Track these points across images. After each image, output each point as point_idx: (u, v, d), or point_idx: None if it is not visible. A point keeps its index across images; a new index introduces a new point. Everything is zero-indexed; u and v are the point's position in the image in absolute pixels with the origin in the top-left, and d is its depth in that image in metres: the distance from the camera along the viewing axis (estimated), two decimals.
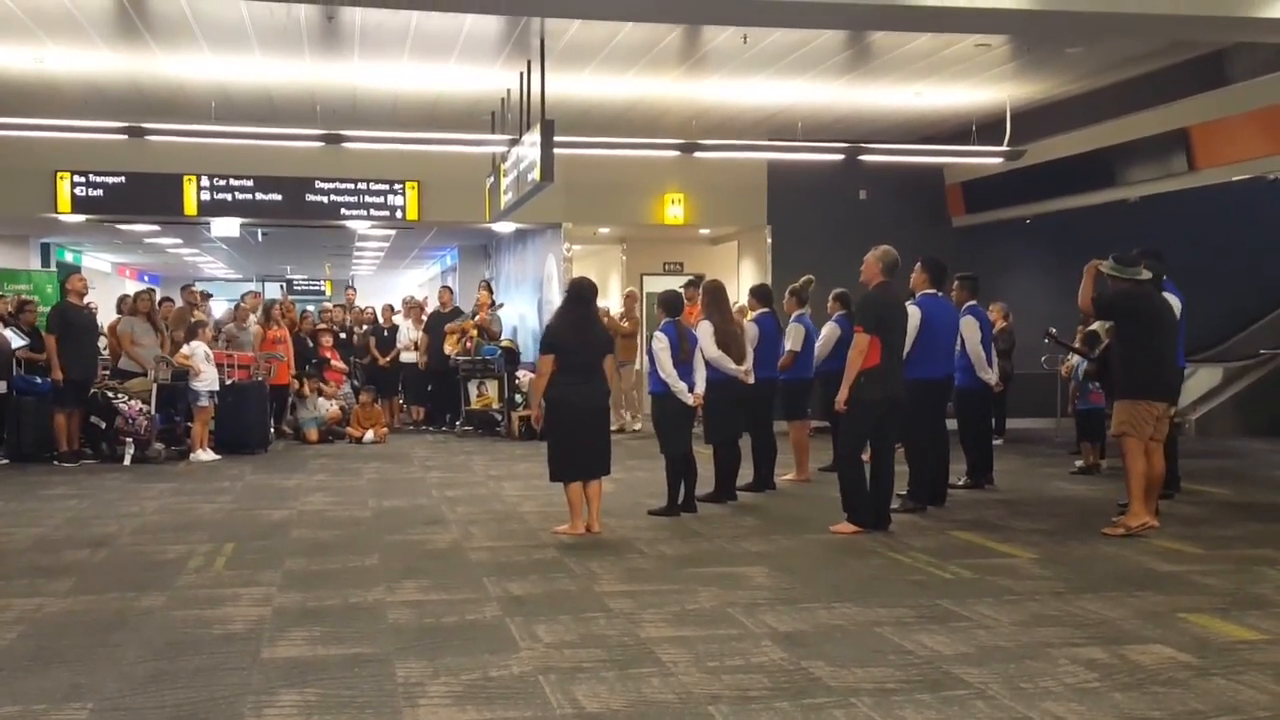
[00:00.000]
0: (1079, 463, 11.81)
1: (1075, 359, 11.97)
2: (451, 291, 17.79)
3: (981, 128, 14.76)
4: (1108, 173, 13.95)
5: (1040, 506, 9.56)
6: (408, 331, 16.66)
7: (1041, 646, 5.29)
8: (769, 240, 17.03)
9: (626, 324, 15.47)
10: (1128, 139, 13.29)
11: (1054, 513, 9.21)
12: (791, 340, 10.81)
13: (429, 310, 17.35)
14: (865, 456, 8.40)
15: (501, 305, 17.62)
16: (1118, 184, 13.96)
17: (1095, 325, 11.55)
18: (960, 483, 10.35)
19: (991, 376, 10.37)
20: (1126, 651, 5.20)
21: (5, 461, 11.99)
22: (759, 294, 10.90)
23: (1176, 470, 9.79)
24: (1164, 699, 4.55)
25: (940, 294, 9.51)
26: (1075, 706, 4.45)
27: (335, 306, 18.40)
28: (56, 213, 15.77)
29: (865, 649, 5.24)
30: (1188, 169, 12.69)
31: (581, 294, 8.34)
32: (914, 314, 9.06)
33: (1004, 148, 14.23)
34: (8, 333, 12.15)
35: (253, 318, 14.97)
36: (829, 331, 11.01)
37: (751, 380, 9.70)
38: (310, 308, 21.50)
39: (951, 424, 9.97)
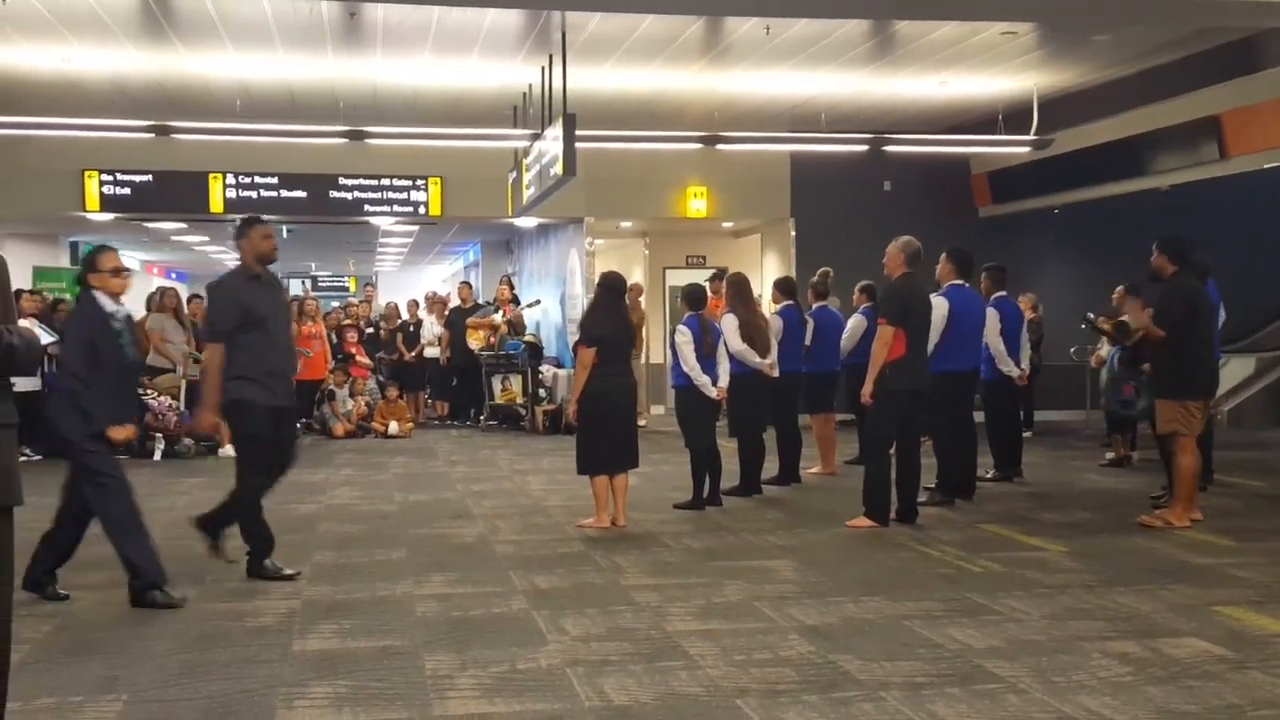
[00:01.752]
0: (1109, 455, 11.72)
1: (1106, 351, 11.86)
2: (471, 287, 17.82)
3: (1008, 117, 14.65)
4: (1137, 161, 13.82)
5: (1070, 499, 9.50)
6: (431, 327, 16.70)
7: (1074, 640, 5.25)
8: (792, 233, 16.97)
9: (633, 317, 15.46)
10: (1157, 127, 13.16)
11: (1084, 505, 9.15)
12: (807, 335, 10.69)
13: (451, 305, 17.39)
14: (891, 450, 8.36)
15: (538, 303, 17.60)
16: (1148, 173, 13.83)
17: (1127, 316, 11.44)
18: (989, 475, 10.29)
19: (1014, 369, 10.27)
20: (1160, 645, 5.16)
21: (38, 458, 12.07)
22: (783, 287, 10.87)
23: (1210, 462, 9.70)
24: (1199, 693, 4.51)
25: (967, 285, 9.45)
26: (1109, 700, 4.41)
27: (360, 303, 18.47)
28: (85, 211, 15.86)
29: (894, 642, 5.21)
30: (1219, 157, 12.54)
31: (613, 285, 8.38)
32: (941, 305, 9.00)
33: (1031, 137, 14.11)
34: (38, 329, 12.25)
35: None
36: (855, 324, 10.95)
37: (776, 373, 9.67)
38: (335, 304, 21.57)
39: (979, 416, 9.91)
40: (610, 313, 8.26)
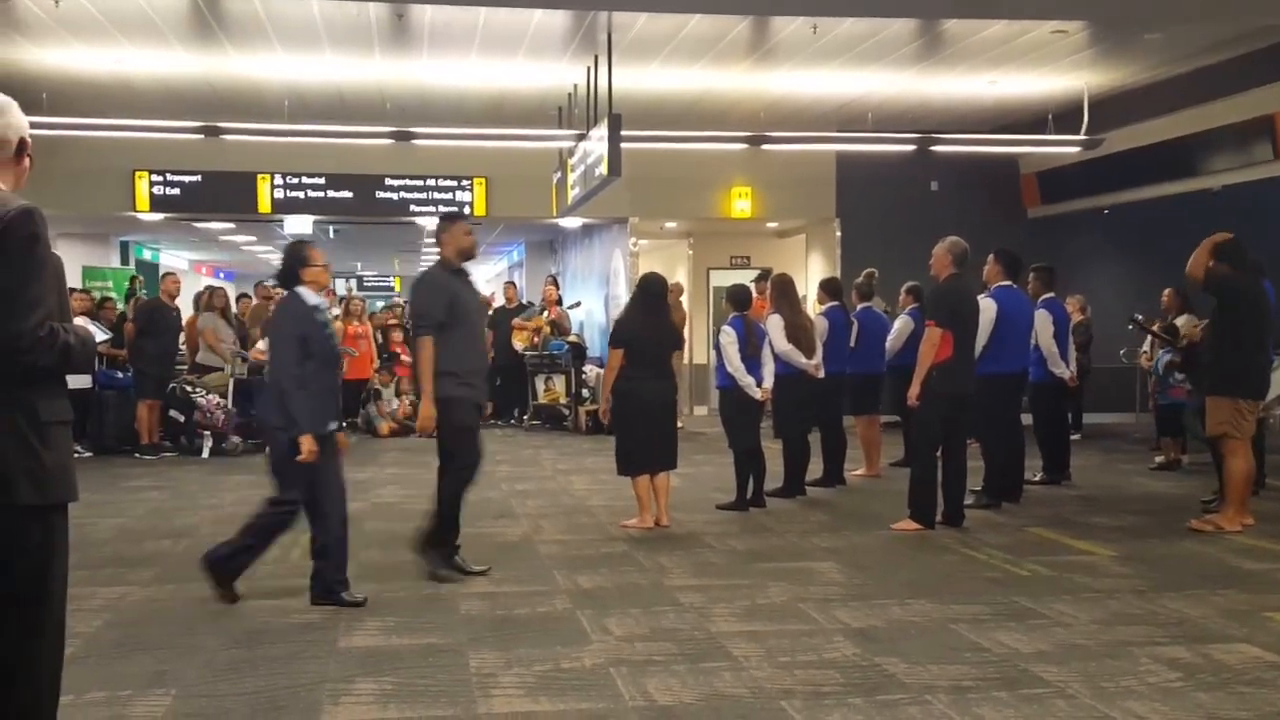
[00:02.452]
0: (1159, 458, 11.58)
1: (1156, 351, 11.73)
2: (516, 287, 17.88)
3: (1058, 116, 14.51)
4: (1189, 161, 13.64)
5: (1119, 503, 9.39)
6: None
7: (1122, 645, 5.18)
8: (838, 233, 16.90)
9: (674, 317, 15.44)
10: (1210, 127, 12.98)
11: (1133, 509, 9.04)
12: (852, 337, 10.64)
13: (495, 305, 17.46)
14: (938, 452, 8.30)
15: (578, 304, 17.63)
16: (1199, 173, 13.64)
17: (1179, 320, 11.32)
18: (1036, 479, 10.20)
19: (1065, 371, 10.17)
20: (1210, 651, 5.09)
21: (89, 454, 12.25)
22: (828, 287, 10.82)
23: (1262, 466, 9.55)
24: (1250, 699, 4.44)
25: (1015, 286, 9.37)
26: (1158, 706, 4.35)
27: (406, 302, 18.57)
28: (135, 211, 16.08)
29: (940, 646, 5.17)
30: (1273, 157, 12.35)
31: (650, 289, 8.35)
32: (989, 307, 8.93)
33: (1082, 136, 13.96)
34: (92, 326, 12.43)
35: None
36: (901, 325, 10.88)
37: (821, 374, 9.63)
38: (380, 304, 21.70)
39: (1027, 419, 9.82)
40: (643, 315, 8.24)
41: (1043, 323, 9.94)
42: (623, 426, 8.23)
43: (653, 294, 8.33)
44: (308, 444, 5.75)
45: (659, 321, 8.27)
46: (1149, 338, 11.95)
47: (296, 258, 6.06)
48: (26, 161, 3.31)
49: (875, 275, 11.47)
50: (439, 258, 6.84)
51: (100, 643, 5.26)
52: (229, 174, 15.79)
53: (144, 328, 12.72)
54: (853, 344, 10.58)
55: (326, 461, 5.89)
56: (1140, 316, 11.69)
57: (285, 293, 6.14)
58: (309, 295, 6.04)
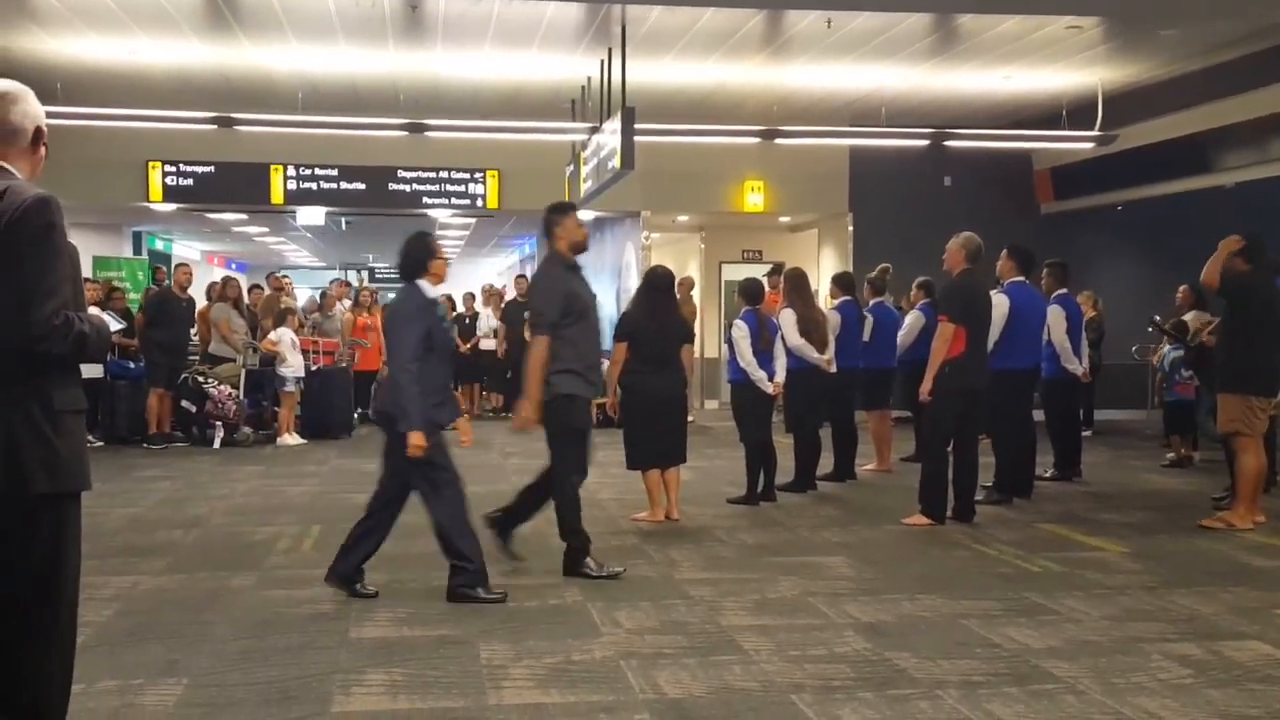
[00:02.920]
0: (1170, 455, 11.54)
1: (1164, 348, 11.71)
2: (527, 280, 17.87)
3: (1072, 112, 14.46)
4: (1203, 158, 13.58)
5: (1130, 499, 9.37)
6: (488, 319, 16.78)
7: (1133, 641, 5.17)
8: (850, 228, 16.87)
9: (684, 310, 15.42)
10: (1225, 123, 12.92)
11: (1144, 506, 9.01)
12: (864, 331, 10.63)
13: (507, 299, 17.46)
14: (949, 448, 8.28)
15: None
16: (1214, 170, 13.59)
17: (1187, 315, 11.29)
18: (1047, 474, 10.18)
19: (1078, 367, 10.15)
20: (1221, 647, 5.08)
21: (100, 444, 12.29)
22: (841, 282, 10.79)
23: (1274, 464, 9.52)
24: (1261, 696, 4.43)
25: (1028, 282, 9.34)
26: (1169, 703, 4.34)
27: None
28: (148, 201, 16.12)
29: (951, 641, 5.17)
30: None
31: (655, 283, 8.34)
32: (1002, 303, 8.90)
33: (1096, 132, 13.92)
34: (106, 316, 12.46)
35: (339, 305, 15.21)
36: (913, 320, 10.86)
37: (833, 369, 9.62)
38: (391, 295, 21.66)
39: (1039, 414, 9.80)
40: (647, 309, 8.22)
41: (1056, 318, 9.91)
42: (630, 420, 8.23)
43: (658, 288, 8.30)
44: (417, 439, 5.72)
45: (664, 315, 8.21)
46: (1165, 338, 11.93)
47: (425, 249, 6.03)
48: (42, 150, 3.33)
49: (890, 270, 11.44)
50: (551, 251, 6.65)
51: (112, 632, 5.28)
52: (242, 165, 15.82)
53: (153, 318, 12.74)
54: (866, 338, 10.57)
55: (443, 453, 5.89)
56: (1159, 318, 11.65)
57: (404, 285, 6.03)
58: (429, 288, 6.00)
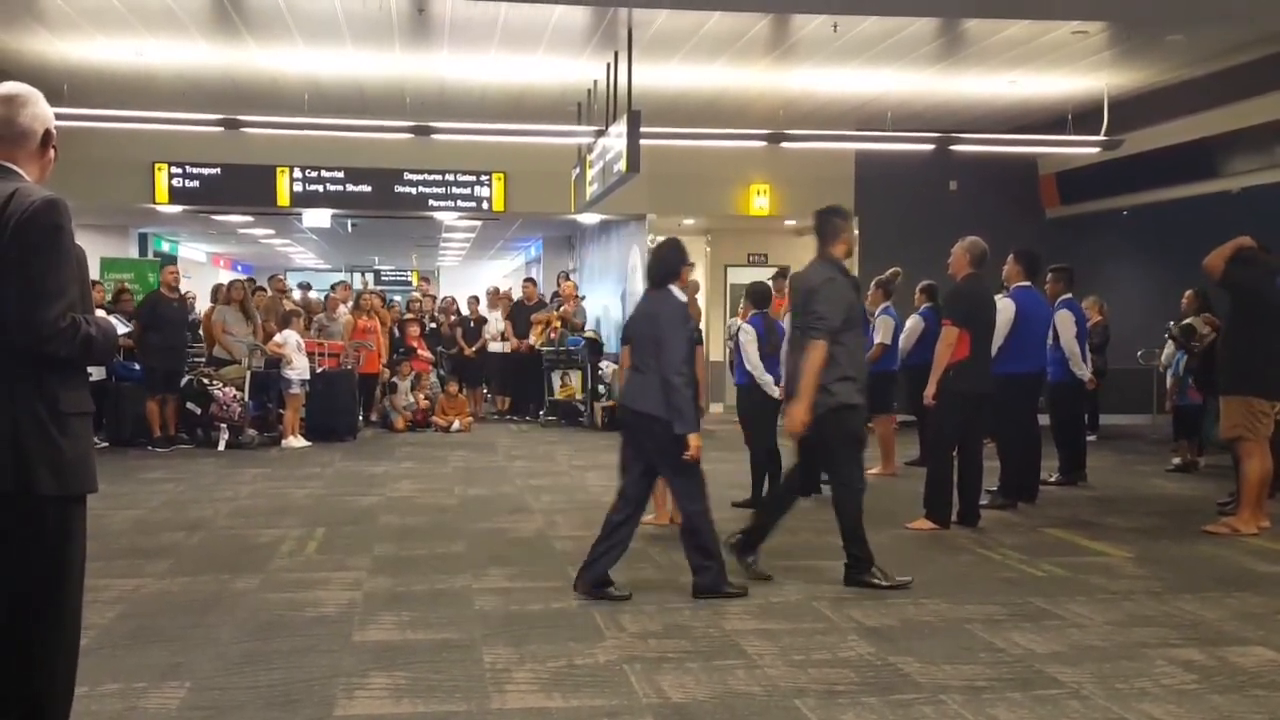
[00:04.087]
0: (1176, 460, 11.52)
1: (1169, 352, 11.69)
2: (535, 283, 17.90)
3: (1078, 117, 14.45)
4: (1209, 163, 13.56)
5: (1135, 504, 9.35)
6: (496, 322, 16.80)
7: (1137, 646, 5.17)
8: (856, 232, 16.77)
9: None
10: (1231, 128, 12.91)
11: (1149, 511, 9.00)
12: (880, 333, 10.69)
13: (513, 301, 17.49)
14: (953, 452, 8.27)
15: (583, 298, 17.63)
16: (1220, 175, 13.57)
17: (1191, 319, 11.27)
18: (1052, 479, 10.16)
19: (1086, 372, 10.15)
20: (1225, 653, 5.07)
21: (105, 445, 12.30)
22: None
23: (1279, 469, 9.50)
24: (1265, 702, 4.42)
25: (1034, 287, 9.33)
26: (1173, 708, 4.34)
27: (425, 297, 18.64)
28: (154, 203, 16.15)
29: (955, 646, 5.16)
30: None
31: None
32: (1008, 307, 8.90)
33: (1101, 137, 13.90)
34: (113, 319, 12.50)
35: (343, 308, 15.24)
36: (913, 324, 10.86)
37: None
38: (398, 298, 21.70)
39: (1044, 419, 9.78)
40: None
41: (1065, 323, 9.91)
42: None
43: None
44: (697, 440, 5.93)
45: None
46: (1169, 341, 11.92)
47: (680, 256, 6.23)
48: (51, 153, 3.33)
49: (900, 274, 11.42)
50: (825, 255, 6.54)
51: (114, 634, 5.28)
52: (248, 167, 15.85)
53: (148, 323, 12.62)
54: (887, 341, 10.59)
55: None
56: (1173, 323, 11.63)
57: (655, 291, 6.20)
58: (679, 294, 6.20)
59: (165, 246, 25.99)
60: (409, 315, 16.82)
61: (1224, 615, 5.74)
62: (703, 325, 14.91)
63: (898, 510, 8.61)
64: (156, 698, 4.40)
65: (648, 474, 6.18)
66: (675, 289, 6.19)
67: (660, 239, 16.76)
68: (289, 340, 12.95)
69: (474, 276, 33.07)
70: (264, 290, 16.07)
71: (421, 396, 15.35)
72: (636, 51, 11.05)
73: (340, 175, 16.09)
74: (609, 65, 11.75)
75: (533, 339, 16.09)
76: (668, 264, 6.22)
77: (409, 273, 37.59)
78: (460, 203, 16.53)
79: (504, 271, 34.10)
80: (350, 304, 15.76)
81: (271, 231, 26.29)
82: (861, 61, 12.34)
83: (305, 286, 19.62)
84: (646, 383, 6.04)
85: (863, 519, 6.40)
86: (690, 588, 6.09)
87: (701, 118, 14.77)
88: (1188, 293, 11.68)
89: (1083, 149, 14.56)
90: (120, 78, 13.30)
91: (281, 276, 16.65)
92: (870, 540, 7.63)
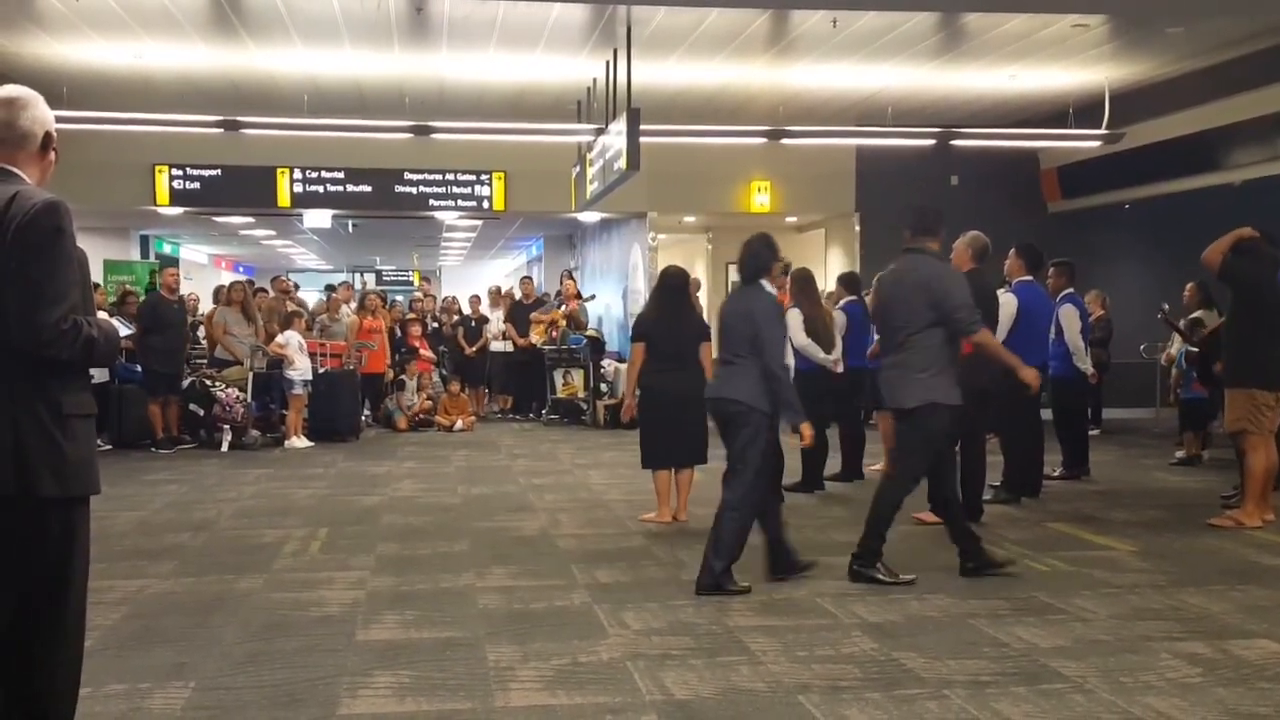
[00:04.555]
0: (1179, 453, 11.52)
1: (1177, 347, 11.69)
2: (532, 282, 17.91)
3: (1079, 111, 14.44)
4: (1211, 156, 13.55)
5: (1139, 498, 9.34)
6: (497, 321, 16.81)
7: (1142, 640, 5.16)
8: (857, 228, 16.86)
9: None
10: (1232, 121, 12.89)
11: (1153, 504, 8.99)
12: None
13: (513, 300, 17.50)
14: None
15: (593, 298, 17.63)
16: (1221, 168, 13.56)
17: (1200, 313, 11.26)
18: (1056, 474, 10.15)
19: (1088, 366, 10.14)
20: (1230, 646, 5.06)
21: (108, 447, 12.31)
22: (847, 282, 10.79)
23: None
24: (1271, 694, 4.41)
25: (1036, 281, 9.32)
26: (1177, 702, 4.33)
27: (426, 296, 18.65)
28: (155, 205, 16.16)
29: (958, 641, 5.16)
30: None
31: (668, 282, 8.31)
32: (1010, 302, 8.88)
33: (1102, 131, 13.90)
34: (115, 321, 12.49)
35: (345, 308, 15.24)
36: None
37: (841, 369, 9.60)
38: (399, 298, 21.70)
39: (1047, 414, 9.77)
40: (660, 309, 8.22)
41: (1070, 317, 9.90)
42: (646, 421, 8.22)
43: (671, 287, 8.28)
44: (809, 429, 6.19)
45: (678, 315, 8.20)
46: (1173, 333, 11.91)
47: (771, 252, 6.39)
48: (52, 156, 3.34)
49: None
50: (927, 249, 6.52)
51: (119, 635, 5.29)
52: (248, 168, 15.86)
53: (148, 325, 12.58)
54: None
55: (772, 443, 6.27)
56: (1167, 307, 11.65)
57: (745, 286, 6.38)
58: (770, 288, 6.40)
59: (167, 248, 26.02)
60: (411, 315, 16.82)
61: (1229, 608, 5.74)
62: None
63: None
64: (161, 698, 4.40)
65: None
66: (766, 283, 6.35)
67: (661, 236, 16.72)
68: (291, 341, 12.95)
69: (475, 276, 33.08)
70: (265, 291, 16.07)
71: (424, 396, 15.36)
72: (636, 49, 11.04)
73: (340, 176, 16.10)
74: (608, 63, 11.75)
75: (535, 338, 16.10)
76: (759, 259, 6.36)
77: (410, 273, 37.60)
78: (460, 202, 16.53)
79: (505, 271, 34.11)
80: (355, 304, 15.78)
81: (272, 233, 26.30)
82: (861, 57, 12.33)
83: (294, 287, 19.61)
84: (737, 373, 6.18)
85: (894, 517, 6.41)
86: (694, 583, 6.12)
87: (701, 115, 14.78)
88: (1189, 286, 11.68)
89: (1084, 143, 14.56)
90: (119, 80, 13.30)
91: (284, 277, 16.63)
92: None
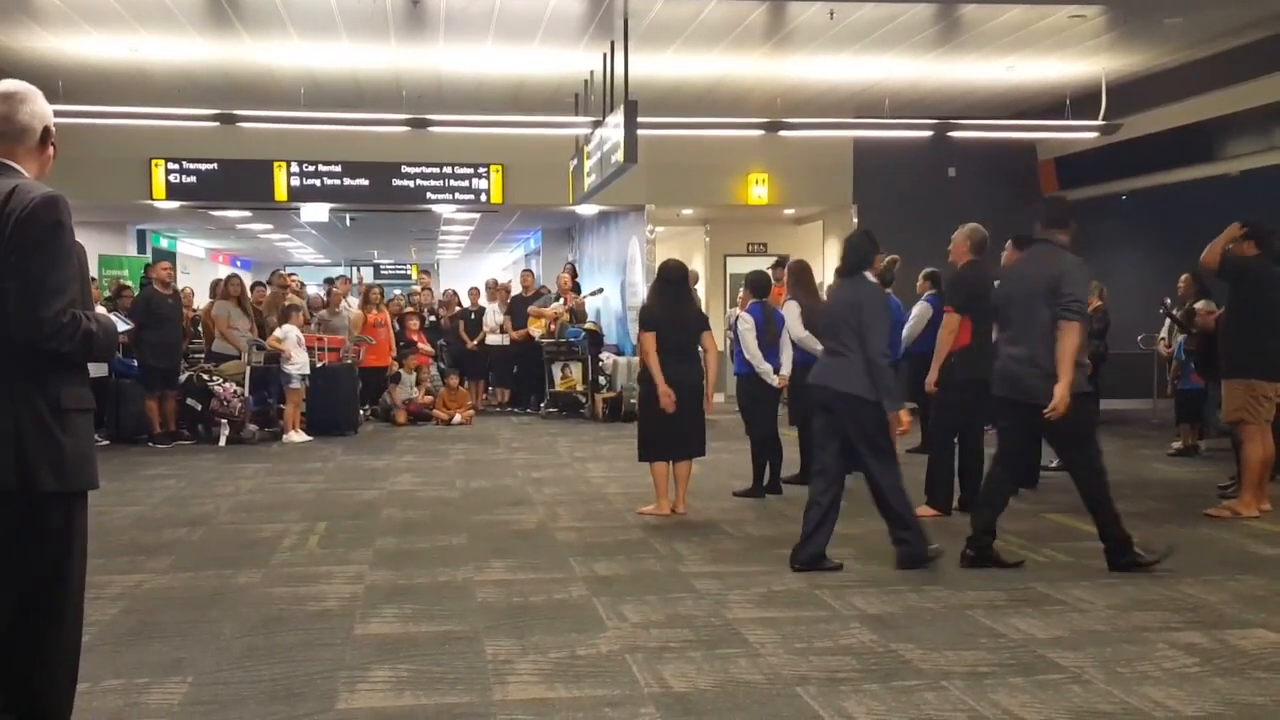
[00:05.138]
0: (1176, 444, 11.53)
1: (1177, 336, 11.69)
2: (533, 275, 17.90)
3: (1076, 101, 14.43)
4: (1208, 147, 13.55)
5: (1136, 489, 9.35)
6: (494, 314, 16.80)
7: (1139, 630, 5.17)
8: (855, 220, 16.84)
9: None
10: (1229, 111, 12.89)
11: (1151, 495, 9.01)
12: None
13: (512, 293, 17.49)
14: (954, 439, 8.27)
15: (600, 291, 17.57)
16: (1218, 158, 13.56)
17: (1201, 304, 11.26)
18: (1053, 465, 10.11)
19: (1083, 357, 10.10)
20: (1227, 636, 5.07)
21: (105, 443, 12.30)
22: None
23: None
24: (1267, 684, 4.42)
25: None
26: (1174, 692, 4.34)
27: (424, 290, 18.64)
28: (152, 199, 16.14)
29: (956, 632, 5.16)
30: None
31: (667, 275, 8.31)
32: None
33: (1100, 121, 13.89)
34: (113, 317, 12.44)
35: (345, 302, 15.23)
36: (920, 311, 10.80)
37: None
38: (398, 291, 21.70)
39: None
40: (663, 300, 8.23)
41: None
42: (646, 413, 8.22)
43: (672, 280, 8.29)
44: (906, 416, 6.58)
45: (680, 307, 8.22)
46: (1168, 323, 11.91)
47: (873, 245, 6.76)
48: (51, 150, 3.34)
49: (898, 261, 11.40)
50: (1056, 240, 6.55)
51: (117, 630, 5.29)
52: (245, 162, 15.84)
53: (143, 320, 12.51)
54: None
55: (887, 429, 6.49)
56: (1169, 301, 11.64)
57: (849, 279, 6.61)
58: (873, 279, 6.76)
59: (164, 243, 26.00)
60: (409, 309, 16.81)
61: (1225, 598, 5.75)
62: None
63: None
64: (158, 693, 4.40)
65: (844, 450, 6.49)
66: (869, 275, 6.68)
67: (659, 229, 16.74)
68: (289, 335, 12.94)
69: (473, 269, 33.05)
70: (263, 286, 16.04)
71: (422, 390, 15.35)
72: (633, 41, 11.04)
73: (338, 169, 16.08)
74: (605, 55, 11.74)
75: (533, 330, 16.09)
76: (861, 252, 6.66)
77: (408, 266, 37.60)
78: (458, 195, 16.52)
79: (504, 264, 34.11)
80: (358, 298, 15.77)
81: (270, 226, 26.28)
82: (858, 48, 12.32)
83: (300, 285, 19.59)
84: (847, 364, 6.41)
85: (1111, 496, 6.47)
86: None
87: (699, 107, 14.77)
88: (1184, 276, 11.68)
89: (1081, 134, 14.55)
90: (115, 74, 13.28)
91: (284, 271, 16.62)
92: (873, 528, 7.66)
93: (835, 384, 6.43)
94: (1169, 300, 11.65)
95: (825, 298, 10.47)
